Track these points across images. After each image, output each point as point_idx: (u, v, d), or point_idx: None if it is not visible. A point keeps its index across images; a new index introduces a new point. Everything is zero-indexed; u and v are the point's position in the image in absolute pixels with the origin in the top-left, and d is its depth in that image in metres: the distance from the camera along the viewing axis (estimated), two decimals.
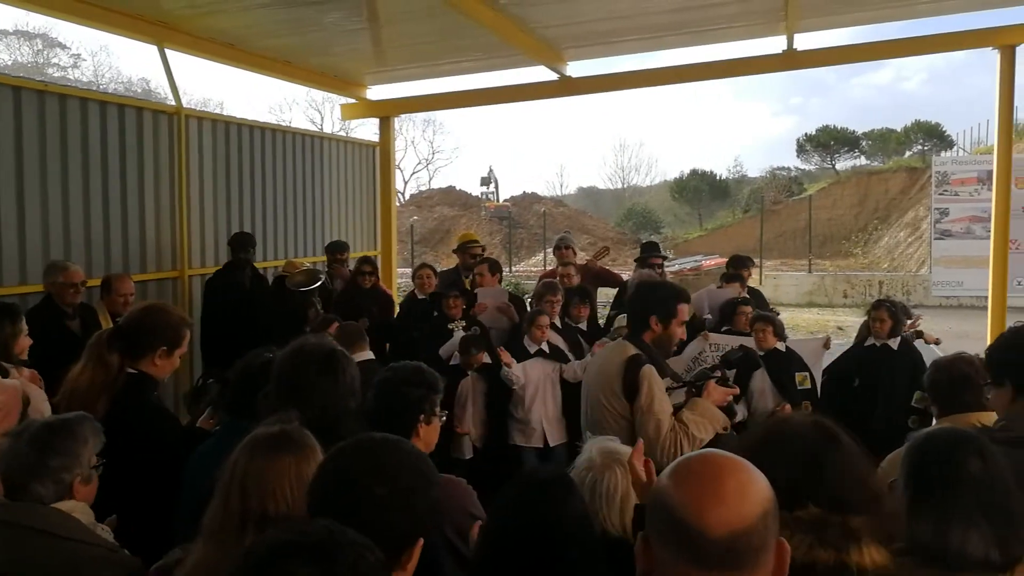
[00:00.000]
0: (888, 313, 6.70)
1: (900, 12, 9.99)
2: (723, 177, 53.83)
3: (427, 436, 3.07)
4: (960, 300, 18.85)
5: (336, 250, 9.53)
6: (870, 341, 6.78)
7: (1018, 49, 9.64)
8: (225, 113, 34.29)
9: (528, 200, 46.69)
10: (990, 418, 3.06)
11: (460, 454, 6.88)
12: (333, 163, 11.55)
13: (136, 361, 3.66)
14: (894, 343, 6.65)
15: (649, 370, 3.95)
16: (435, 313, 7.56)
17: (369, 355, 5.63)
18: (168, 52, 8.65)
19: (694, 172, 52.53)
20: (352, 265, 9.02)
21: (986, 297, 10.58)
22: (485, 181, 46.42)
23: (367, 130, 18.67)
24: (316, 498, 1.91)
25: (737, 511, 1.41)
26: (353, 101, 12.05)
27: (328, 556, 1.44)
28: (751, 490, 1.45)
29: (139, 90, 44.05)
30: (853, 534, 1.79)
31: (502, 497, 2.42)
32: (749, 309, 7.21)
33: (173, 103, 8.82)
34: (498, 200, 44.59)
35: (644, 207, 50.88)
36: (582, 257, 9.98)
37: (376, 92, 12.07)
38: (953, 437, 2.23)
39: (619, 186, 66.19)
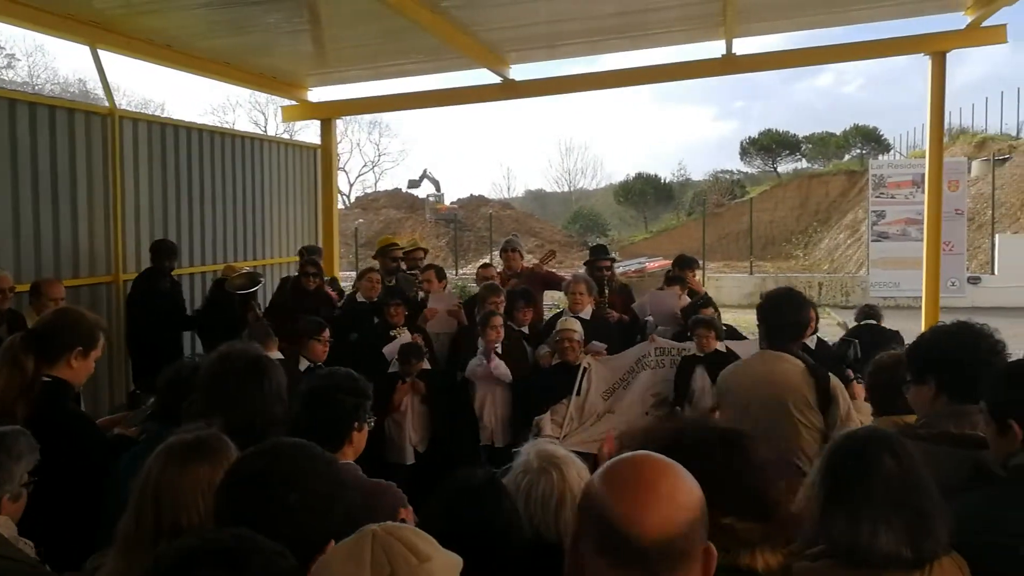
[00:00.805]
0: (817, 313, 6.85)
1: (835, 19, 10.18)
2: (667, 180, 54.27)
3: (358, 443, 3.11)
4: (897, 300, 19.21)
5: (311, 253, 9.39)
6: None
7: (948, 55, 9.89)
8: (166, 115, 33.75)
9: (475, 203, 46.63)
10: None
11: (401, 460, 6.83)
12: (274, 165, 11.41)
13: (52, 364, 3.56)
14: (811, 342, 6.78)
15: (836, 380, 4.02)
16: (375, 319, 7.49)
17: (279, 355, 5.57)
18: (103, 53, 8.48)
19: (639, 175, 52.93)
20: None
21: (921, 297, 10.82)
22: (414, 183, 46.09)
23: (313, 132, 18.49)
24: (225, 505, 1.87)
25: (670, 516, 1.40)
26: (294, 103, 11.92)
27: (239, 562, 1.41)
28: (683, 495, 1.44)
29: (76, 91, 43.08)
30: (745, 538, 1.78)
31: (432, 500, 2.40)
32: (711, 311, 7.29)
33: (107, 104, 8.64)
34: (443, 202, 44.42)
35: (591, 210, 51.14)
36: (529, 260, 9.97)
37: (318, 94, 11.96)
38: (868, 436, 2.27)
39: (566, 189, 66.45)
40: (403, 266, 8.85)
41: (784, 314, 4.21)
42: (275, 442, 1.99)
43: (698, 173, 59.72)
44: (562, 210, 56.64)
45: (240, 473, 1.92)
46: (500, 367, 6.76)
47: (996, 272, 22.04)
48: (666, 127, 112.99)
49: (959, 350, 2.97)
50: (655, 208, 51.46)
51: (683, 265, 8.43)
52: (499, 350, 6.82)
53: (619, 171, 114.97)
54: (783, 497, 1.99)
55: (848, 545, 2.10)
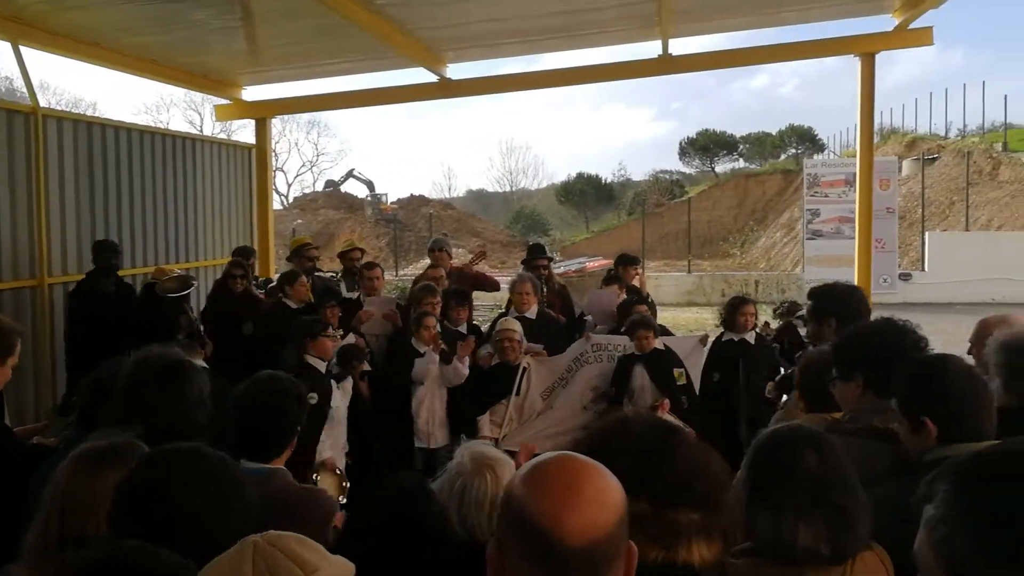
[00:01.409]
0: (756, 308, 6.94)
1: (768, 20, 10.34)
2: (608, 180, 54.79)
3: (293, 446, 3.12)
4: None
5: (245, 256, 9.08)
6: (727, 336, 6.96)
7: (878, 57, 10.09)
8: (96, 114, 32.94)
9: (415, 203, 46.48)
10: None
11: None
12: (207, 166, 11.17)
13: None
14: (750, 337, 6.87)
15: None
16: None
17: (202, 363, 5.45)
18: (28, 50, 8.22)
19: (580, 175, 53.32)
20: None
21: None
22: (333, 184, 45.63)
23: (250, 132, 18.21)
24: (123, 514, 1.81)
25: (595, 519, 1.36)
26: (228, 102, 11.70)
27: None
28: (607, 497, 1.40)
29: (3, 89, 41.82)
30: (682, 531, 1.76)
31: (360, 504, 2.37)
32: (644, 308, 7.31)
33: (30, 103, 8.37)
34: (385, 201, 44.10)
35: (532, 210, 51.36)
36: (459, 260, 9.89)
37: (252, 93, 11.75)
38: (792, 433, 2.28)
39: (507, 189, 66.57)
40: (318, 266, 8.72)
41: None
42: (168, 448, 1.94)
43: (638, 173, 60.40)
44: (504, 210, 56.79)
45: (135, 481, 1.87)
46: (460, 369, 6.68)
47: (927, 269, 22.60)
48: (606, 127, 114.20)
49: (884, 347, 3.02)
50: (596, 208, 51.85)
51: (625, 263, 8.46)
52: (437, 351, 6.76)
53: (560, 171, 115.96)
54: (721, 489, 1.99)
55: (770, 541, 2.10)
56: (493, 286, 8.70)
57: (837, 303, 4.30)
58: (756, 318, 7.00)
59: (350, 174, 45.61)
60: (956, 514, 1.22)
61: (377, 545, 2.22)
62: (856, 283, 10.59)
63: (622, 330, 7.09)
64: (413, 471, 2.61)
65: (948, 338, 3.84)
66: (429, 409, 6.74)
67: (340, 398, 6.27)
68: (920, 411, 2.58)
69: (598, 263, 21.85)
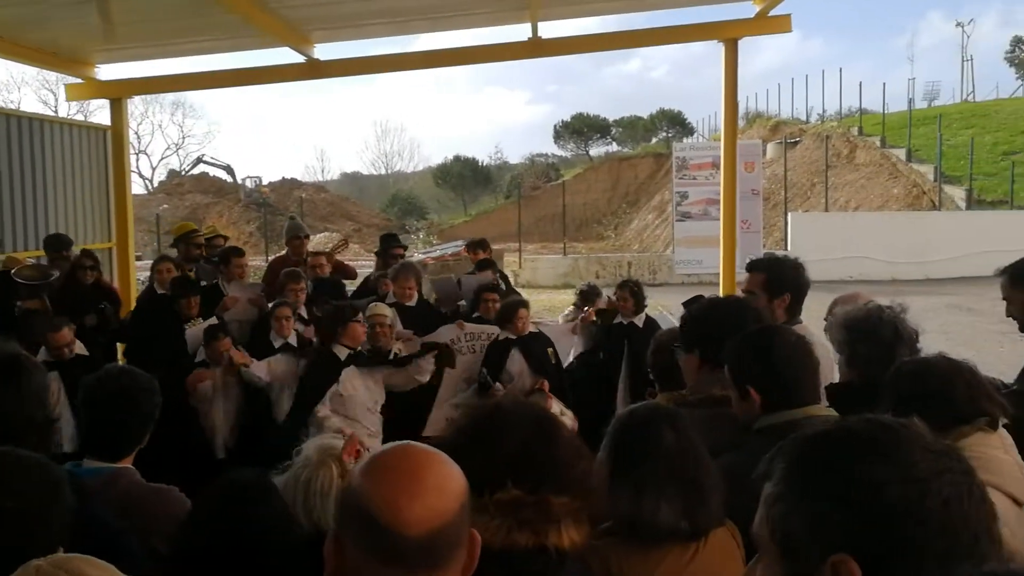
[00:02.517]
0: (630, 292, 7.03)
1: (635, 4, 10.49)
2: (485, 163, 54.92)
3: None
4: (700, 277, 20.14)
5: (58, 247, 8.19)
6: (617, 319, 7.06)
7: (741, 43, 10.37)
8: None
9: (287, 186, 45.45)
10: None
11: (210, 454, 6.48)
12: (58, 149, 10.56)
13: None
14: (639, 320, 6.99)
15: None
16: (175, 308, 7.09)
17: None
18: None
19: (457, 158, 53.25)
20: None
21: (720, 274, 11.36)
22: (175, 173, 43.99)
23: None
24: None
25: (434, 507, 1.34)
26: (80, 81, 11.09)
27: None
28: (449, 485, 1.39)
29: None
30: (552, 515, 1.76)
31: (197, 502, 2.28)
32: (495, 296, 7.29)
33: None
34: (251, 180, 42.79)
35: (409, 193, 51.01)
36: (316, 246, 9.72)
37: (107, 72, 11.18)
38: (650, 412, 2.32)
39: (383, 171, 65.91)
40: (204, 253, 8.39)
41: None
42: None
43: (515, 156, 60.79)
44: (379, 193, 56.22)
45: None
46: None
47: (789, 248, 23.51)
48: (482, 110, 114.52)
49: (721, 322, 3.11)
50: (473, 191, 51.94)
51: (474, 247, 8.47)
52: (293, 342, 6.58)
53: (437, 154, 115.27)
54: (589, 473, 2.00)
55: (631, 520, 2.13)
56: (351, 275, 8.56)
57: (790, 278, 3.98)
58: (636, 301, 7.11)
59: (200, 160, 43.97)
60: (790, 492, 1.23)
61: (212, 546, 2.14)
62: (721, 263, 10.95)
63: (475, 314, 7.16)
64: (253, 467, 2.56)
65: (808, 315, 3.95)
66: (287, 405, 6.53)
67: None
68: (745, 380, 2.68)
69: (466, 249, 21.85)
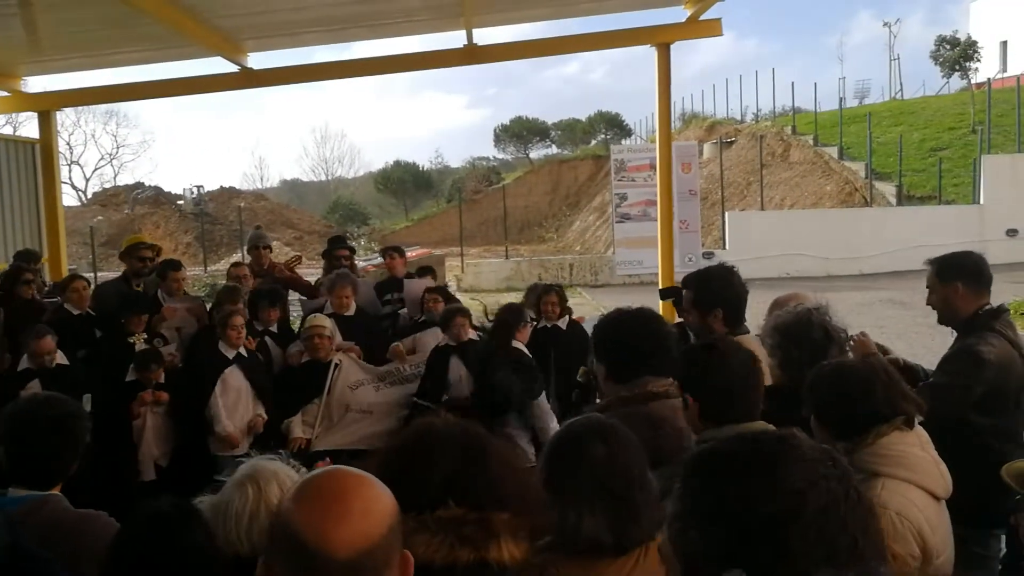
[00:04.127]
0: (557, 296, 7.12)
1: (566, 11, 10.55)
2: (426, 168, 54.74)
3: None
4: (641, 278, 20.38)
5: (28, 259, 8.49)
6: (542, 323, 7.12)
7: (673, 47, 10.50)
8: None
9: (226, 195, 44.73)
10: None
11: (142, 476, 6.39)
12: None
13: None
14: (563, 323, 7.05)
15: None
16: (97, 331, 6.96)
17: None
18: None
19: (397, 163, 53.00)
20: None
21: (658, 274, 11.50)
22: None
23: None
24: None
25: (361, 530, 1.37)
26: (6, 94, 10.83)
27: None
28: (376, 507, 1.41)
29: None
30: (492, 531, 1.79)
31: (119, 532, 2.27)
32: (438, 296, 7.34)
33: None
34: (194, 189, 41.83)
35: (350, 199, 50.58)
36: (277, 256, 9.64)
37: (36, 84, 10.95)
38: (582, 425, 2.35)
39: (323, 178, 65.25)
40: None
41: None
42: None
43: (455, 160, 60.72)
44: (320, 200, 55.70)
45: None
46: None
47: (727, 247, 23.92)
48: (422, 115, 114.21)
49: (623, 335, 3.23)
50: (415, 196, 51.73)
51: (390, 254, 8.43)
52: (244, 353, 6.53)
53: (377, 159, 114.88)
54: (527, 488, 2.03)
55: (558, 532, 2.16)
56: (306, 289, 8.50)
57: (716, 291, 3.95)
58: (562, 305, 7.18)
59: (137, 195, 42.57)
60: (684, 511, 1.28)
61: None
62: (660, 263, 11.08)
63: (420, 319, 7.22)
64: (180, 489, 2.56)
65: (750, 314, 4.05)
66: (242, 416, 6.49)
67: None
68: (688, 390, 2.81)
69: (415, 253, 21.82)
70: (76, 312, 7.06)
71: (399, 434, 2.10)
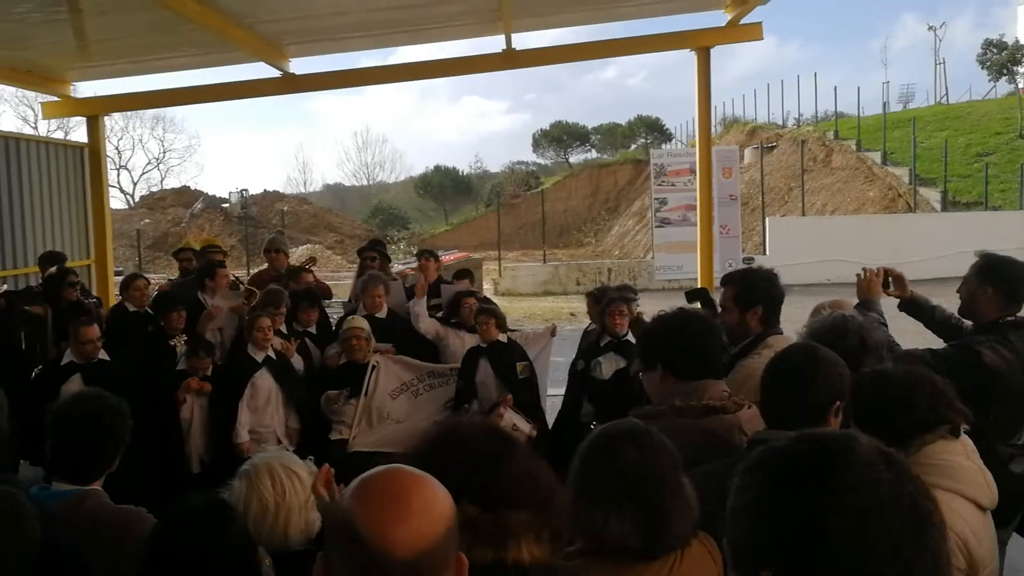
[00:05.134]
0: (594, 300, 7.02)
1: (606, 15, 10.55)
2: (465, 173, 55.00)
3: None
4: (680, 283, 20.19)
5: (53, 261, 8.58)
6: (592, 326, 7.05)
7: (713, 51, 10.45)
8: None
9: (270, 198, 45.25)
10: None
11: (186, 468, 6.47)
12: (34, 167, 10.54)
13: None
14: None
15: None
16: (150, 328, 7.06)
17: None
18: None
19: (438, 168, 53.28)
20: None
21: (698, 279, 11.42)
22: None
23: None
24: None
25: (422, 530, 1.37)
26: (56, 99, 11.06)
27: None
28: (435, 508, 1.42)
29: None
30: (510, 530, 1.79)
31: (156, 526, 2.30)
32: (473, 301, 7.34)
33: None
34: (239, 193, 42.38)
35: (391, 203, 50.92)
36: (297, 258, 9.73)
37: (84, 89, 11.17)
38: (615, 429, 2.33)
39: (365, 183, 65.72)
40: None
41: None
42: None
43: (495, 165, 60.92)
44: (362, 204, 56.09)
45: None
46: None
47: (768, 253, 23.68)
48: (462, 120, 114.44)
49: (676, 334, 3.17)
50: (455, 200, 51.97)
51: (421, 256, 8.47)
52: (272, 355, 6.56)
53: (418, 164, 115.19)
54: (549, 490, 2.03)
55: (587, 536, 2.15)
56: (325, 292, 8.56)
57: (760, 290, 3.95)
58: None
59: (194, 211, 42.63)
60: (740, 506, 1.28)
61: (174, 572, 2.16)
62: (699, 268, 11.01)
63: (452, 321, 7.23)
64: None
65: (786, 319, 4.02)
66: (274, 417, 6.52)
67: None
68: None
69: (453, 256, 21.89)
70: (132, 309, 7.21)
71: (423, 435, 2.10)
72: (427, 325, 7.19)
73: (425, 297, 7.29)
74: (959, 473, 2.72)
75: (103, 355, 6.19)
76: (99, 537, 2.63)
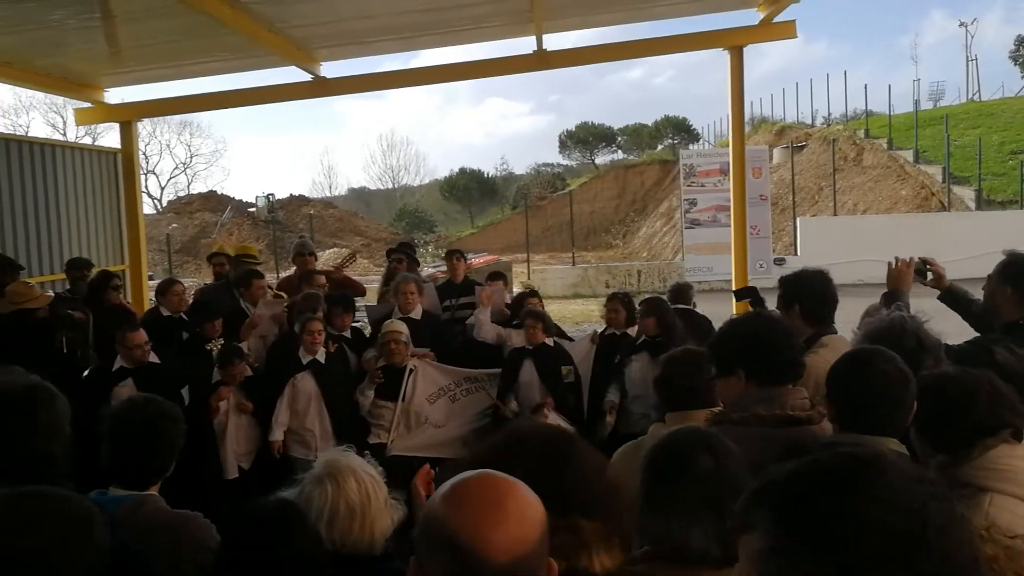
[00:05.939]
0: (621, 304, 6.98)
1: (638, 15, 10.50)
2: (491, 175, 55.03)
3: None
4: (711, 284, 20.07)
5: (78, 266, 8.69)
6: (610, 331, 7.03)
7: (745, 50, 10.38)
8: None
9: (296, 203, 45.51)
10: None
11: (223, 474, 6.47)
12: (69, 173, 10.64)
13: None
14: (633, 331, 6.93)
15: None
16: (185, 333, 7.08)
17: None
18: None
19: (463, 171, 53.38)
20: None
21: (731, 280, 11.34)
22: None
23: (118, 134, 17.25)
24: None
25: (518, 536, 1.35)
26: (89, 105, 11.16)
27: None
28: (530, 514, 1.40)
29: None
30: (583, 539, 1.76)
31: (225, 535, 2.28)
32: (536, 300, 7.35)
33: None
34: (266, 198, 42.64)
35: (416, 206, 51.08)
36: (325, 262, 9.74)
37: (116, 95, 11.25)
38: (688, 435, 2.28)
39: (390, 186, 65.94)
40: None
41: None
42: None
43: (520, 167, 60.93)
44: (387, 207, 56.31)
45: None
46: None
47: (799, 253, 23.48)
48: (487, 122, 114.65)
49: (758, 338, 3.09)
50: (480, 203, 52.05)
51: (448, 256, 8.45)
52: (321, 359, 6.56)
53: (443, 167, 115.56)
54: (616, 495, 2.00)
55: (663, 544, 2.10)
56: (359, 291, 8.56)
57: (802, 287, 4.04)
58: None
59: (223, 221, 42.93)
60: (783, 546, 1.18)
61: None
62: (733, 269, 10.93)
63: (514, 323, 7.19)
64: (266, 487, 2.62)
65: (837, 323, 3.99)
66: (316, 419, 6.53)
67: None
68: (832, 399, 2.78)
69: (483, 259, 21.89)
70: (167, 314, 7.24)
71: (487, 440, 2.07)
72: (488, 331, 7.16)
73: (489, 308, 7.25)
74: (1023, 477, 2.64)
75: (153, 358, 6.23)
76: (158, 541, 2.63)
